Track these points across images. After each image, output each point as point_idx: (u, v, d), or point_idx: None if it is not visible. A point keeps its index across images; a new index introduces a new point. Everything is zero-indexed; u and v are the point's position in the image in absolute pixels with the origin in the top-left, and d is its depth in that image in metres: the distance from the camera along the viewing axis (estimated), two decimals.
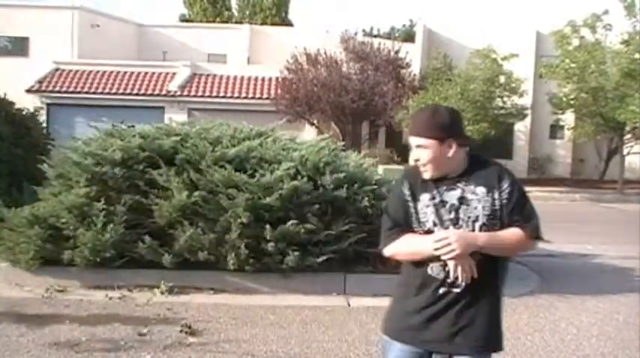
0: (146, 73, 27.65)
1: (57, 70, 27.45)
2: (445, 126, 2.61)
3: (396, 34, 42.37)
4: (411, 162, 2.69)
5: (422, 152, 2.61)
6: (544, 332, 5.84)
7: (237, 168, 6.98)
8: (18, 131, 11.26)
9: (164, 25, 35.20)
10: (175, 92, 26.87)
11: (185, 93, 26.98)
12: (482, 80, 22.38)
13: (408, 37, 37.52)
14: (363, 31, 38.93)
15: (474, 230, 2.59)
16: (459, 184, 2.63)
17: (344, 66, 25.88)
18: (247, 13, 43.24)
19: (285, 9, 43.94)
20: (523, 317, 6.24)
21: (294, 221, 6.68)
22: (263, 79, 27.50)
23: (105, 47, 29.38)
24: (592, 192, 22.14)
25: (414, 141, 2.64)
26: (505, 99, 23.25)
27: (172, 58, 29.98)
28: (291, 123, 20.89)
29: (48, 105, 25.90)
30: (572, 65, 22.14)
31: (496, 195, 2.61)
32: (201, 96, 26.77)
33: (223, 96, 26.78)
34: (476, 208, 2.61)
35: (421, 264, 2.64)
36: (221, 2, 43.49)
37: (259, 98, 26.64)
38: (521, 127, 28.22)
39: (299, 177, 6.94)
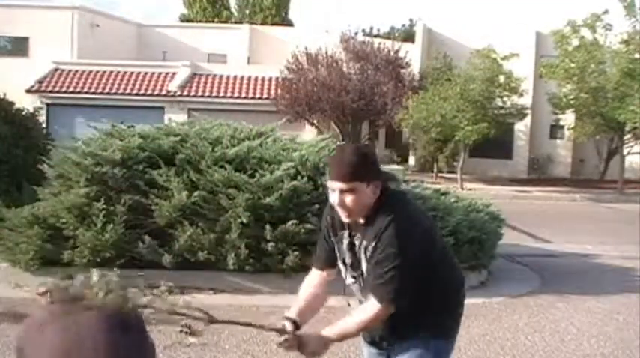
0: (146, 73, 27.63)
1: (57, 70, 27.44)
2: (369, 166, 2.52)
3: (396, 34, 42.33)
4: (332, 202, 2.54)
5: (347, 196, 2.46)
6: (544, 332, 5.84)
7: (237, 168, 6.98)
8: (18, 131, 11.25)
9: (164, 25, 35.22)
10: (175, 92, 26.85)
11: (185, 93, 26.97)
12: (481, 80, 22.36)
13: (408, 36, 37.50)
14: (363, 31, 38.91)
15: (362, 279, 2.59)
16: (362, 228, 2.55)
17: (344, 66, 25.88)
18: (247, 12, 43.25)
19: (285, 9, 43.94)
20: (523, 317, 6.24)
21: (294, 221, 6.68)
22: (263, 79, 27.48)
23: (105, 47, 29.38)
24: (592, 192, 22.13)
25: (335, 185, 2.48)
26: (505, 99, 23.24)
27: (172, 58, 29.98)
28: (291, 123, 20.87)
29: (48, 105, 25.88)
30: (572, 65, 22.14)
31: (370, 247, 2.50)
32: (201, 96, 26.76)
33: (223, 97, 26.77)
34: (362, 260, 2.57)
35: None
36: (220, 2, 43.49)
37: (259, 98, 26.62)
38: (521, 127, 28.22)
39: (299, 177, 6.94)
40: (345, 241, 2.61)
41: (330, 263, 2.73)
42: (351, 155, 2.48)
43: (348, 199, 2.45)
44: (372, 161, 2.54)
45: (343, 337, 2.58)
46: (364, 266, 2.55)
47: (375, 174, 2.50)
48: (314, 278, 2.81)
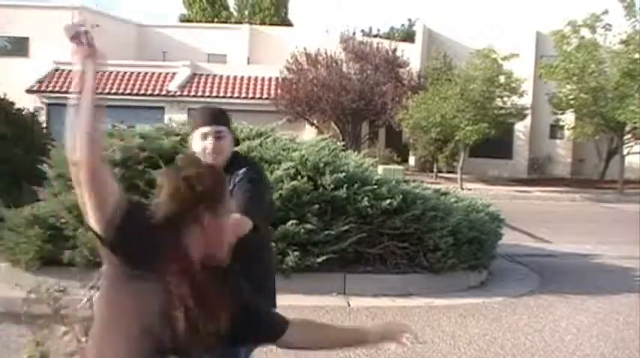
0: (146, 73, 27.65)
1: (57, 70, 27.45)
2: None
3: (395, 34, 42.36)
4: (202, 149, 2.69)
5: (221, 140, 2.71)
6: (544, 332, 5.84)
7: None
8: (18, 131, 11.24)
9: (164, 25, 35.22)
10: (175, 92, 26.86)
11: (185, 93, 26.98)
12: (482, 80, 22.36)
13: (408, 36, 37.55)
14: (362, 31, 38.97)
15: None
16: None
17: (343, 66, 25.89)
18: (246, 13, 43.28)
19: (284, 9, 43.97)
20: (523, 317, 6.25)
21: (294, 221, 6.68)
22: (263, 79, 27.50)
23: (105, 47, 29.32)
24: (592, 192, 22.14)
25: (212, 129, 2.70)
26: (505, 99, 23.24)
27: (172, 58, 29.98)
28: (291, 123, 20.88)
29: (48, 105, 25.90)
30: (572, 65, 22.14)
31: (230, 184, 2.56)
32: (201, 96, 26.77)
33: (223, 96, 26.78)
34: None
35: None
36: (220, 2, 43.51)
37: (259, 98, 26.65)
38: (521, 127, 28.22)
39: (299, 177, 6.93)
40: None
41: None
42: (216, 107, 2.88)
43: (222, 143, 2.69)
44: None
45: None
46: None
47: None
48: None
